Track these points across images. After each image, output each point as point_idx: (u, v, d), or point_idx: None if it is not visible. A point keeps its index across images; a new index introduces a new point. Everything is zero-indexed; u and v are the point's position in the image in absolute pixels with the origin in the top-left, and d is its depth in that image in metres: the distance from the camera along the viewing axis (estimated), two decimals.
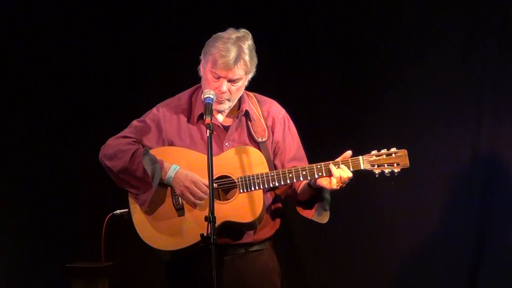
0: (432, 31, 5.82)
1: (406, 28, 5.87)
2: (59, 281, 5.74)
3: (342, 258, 6.00)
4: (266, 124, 4.46)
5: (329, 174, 4.30)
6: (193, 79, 4.47)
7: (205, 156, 4.10)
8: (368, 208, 5.96)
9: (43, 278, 6.19)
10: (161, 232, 4.35)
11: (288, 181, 4.34)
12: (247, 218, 4.33)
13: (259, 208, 4.32)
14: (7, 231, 6.22)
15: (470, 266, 5.79)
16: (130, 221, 4.39)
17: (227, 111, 4.44)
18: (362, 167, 4.33)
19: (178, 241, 4.33)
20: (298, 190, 4.47)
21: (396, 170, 4.34)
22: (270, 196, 4.48)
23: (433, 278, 5.85)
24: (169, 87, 4.70)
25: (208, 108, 4.22)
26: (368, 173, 4.35)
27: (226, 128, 4.43)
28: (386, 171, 4.34)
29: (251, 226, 4.36)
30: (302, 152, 4.53)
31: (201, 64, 4.39)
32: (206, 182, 4.18)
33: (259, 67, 4.39)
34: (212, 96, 4.27)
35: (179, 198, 4.35)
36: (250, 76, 4.39)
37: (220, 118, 4.45)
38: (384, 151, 4.35)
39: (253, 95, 4.53)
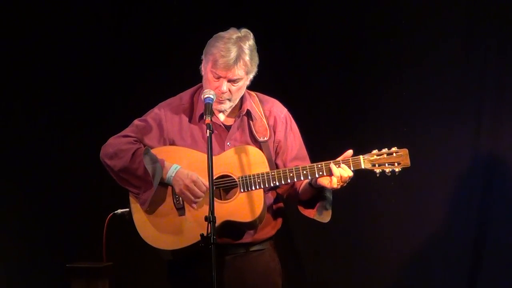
0: (432, 31, 5.81)
1: (406, 28, 5.86)
2: (59, 281, 5.74)
3: (342, 258, 6.00)
4: (268, 124, 4.46)
5: (330, 173, 4.30)
6: (195, 79, 4.47)
7: (206, 156, 4.10)
8: (368, 208, 5.96)
9: (43, 278, 6.19)
10: (161, 231, 4.35)
11: (289, 181, 4.34)
12: (247, 217, 4.33)
13: (259, 207, 4.32)
14: (7, 231, 6.21)
15: (470, 266, 5.78)
16: (131, 221, 4.39)
17: (228, 111, 4.44)
18: (362, 167, 4.33)
19: (178, 240, 4.33)
20: (300, 190, 4.47)
21: (397, 170, 4.34)
22: (271, 196, 4.49)
23: (433, 278, 5.85)
24: (171, 87, 4.70)
25: (208, 108, 4.22)
26: (369, 173, 4.35)
27: (228, 128, 4.44)
28: (387, 170, 4.34)
29: (251, 225, 4.36)
30: (304, 152, 4.53)
31: (202, 64, 4.39)
32: (206, 181, 4.18)
33: (259, 67, 4.40)
34: (212, 96, 4.27)
35: (180, 197, 4.35)
36: (251, 76, 4.39)
37: (221, 117, 4.45)
38: (385, 150, 4.35)
39: (255, 95, 4.53)
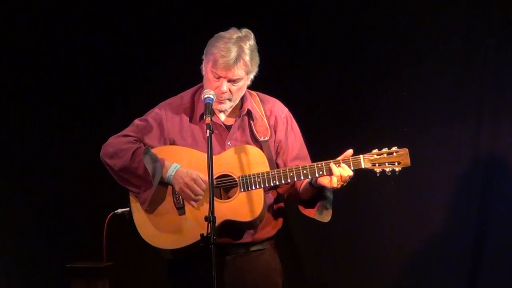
0: (432, 31, 5.82)
1: (406, 28, 5.86)
2: (59, 281, 5.73)
3: (342, 258, 6.00)
4: (268, 123, 4.46)
5: (330, 173, 4.30)
6: (195, 79, 4.47)
7: (206, 155, 4.11)
8: (368, 208, 5.95)
9: (43, 278, 6.18)
10: (162, 230, 4.35)
11: (289, 180, 4.34)
12: (247, 217, 4.33)
13: (259, 207, 4.33)
14: (7, 231, 6.21)
15: (470, 266, 5.78)
16: (131, 220, 4.39)
17: (229, 111, 4.44)
18: (363, 166, 4.33)
19: (178, 240, 4.33)
20: (300, 189, 4.47)
21: (397, 169, 4.34)
22: (272, 196, 4.48)
23: (433, 278, 5.85)
24: (171, 86, 4.70)
25: (208, 108, 4.22)
26: (369, 172, 4.35)
27: (229, 127, 4.44)
28: (387, 170, 4.34)
29: (251, 225, 4.36)
30: (305, 152, 4.53)
31: (203, 63, 4.39)
32: (206, 178, 4.18)
33: (259, 67, 4.40)
34: (212, 96, 4.27)
35: (180, 197, 4.35)
36: (251, 75, 4.39)
37: (222, 117, 4.45)
38: (385, 150, 4.35)
39: (256, 94, 4.53)
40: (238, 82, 4.34)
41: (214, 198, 4.09)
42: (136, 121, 4.46)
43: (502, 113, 5.73)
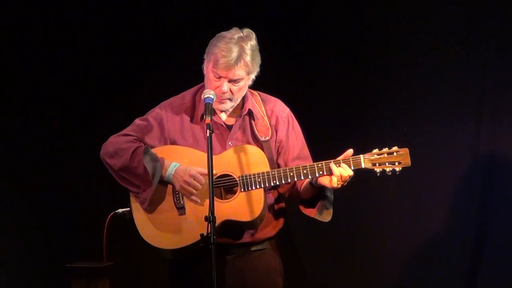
0: (432, 31, 5.82)
1: (406, 28, 5.86)
2: (59, 281, 5.73)
3: (343, 258, 5.99)
4: (269, 123, 4.45)
5: (330, 172, 4.30)
6: (196, 78, 4.47)
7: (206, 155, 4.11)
8: (368, 208, 5.95)
9: (43, 278, 6.18)
10: (162, 230, 4.35)
11: (289, 180, 4.34)
12: (247, 217, 4.33)
13: (259, 207, 4.32)
14: (7, 231, 6.21)
15: (470, 266, 5.78)
16: (131, 220, 4.39)
17: (230, 110, 4.44)
18: (363, 166, 4.33)
19: (179, 239, 4.33)
20: (301, 189, 4.47)
21: (397, 169, 4.34)
22: (272, 196, 4.48)
23: (433, 278, 5.85)
24: (171, 86, 4.70)
25: (208, 108, 4.22)
26: (369, 172, 4.35)
27: (230, 127, 4.44)
28: (387, 169, 4.34)
29: (251, 225, 4.36)
30: (306, 152, 4.53)
31: (204, 63, 4.39)
32: (205, 172, 4.17)
33: (260, 67, 4.39)
34: (212, 96, 4.27)
35: (180, 197, 4.35)
36: (253, 76, 4.39)
37: (223, 117, 4.45)
38: (385, 149, 4.35)
39: (257, 94, 4.53)
40: (238, 82, 4.34)
41: (214, 198, 4.09)
42: (137, 121, 4.46)
43: (502, 113, 5.73)
